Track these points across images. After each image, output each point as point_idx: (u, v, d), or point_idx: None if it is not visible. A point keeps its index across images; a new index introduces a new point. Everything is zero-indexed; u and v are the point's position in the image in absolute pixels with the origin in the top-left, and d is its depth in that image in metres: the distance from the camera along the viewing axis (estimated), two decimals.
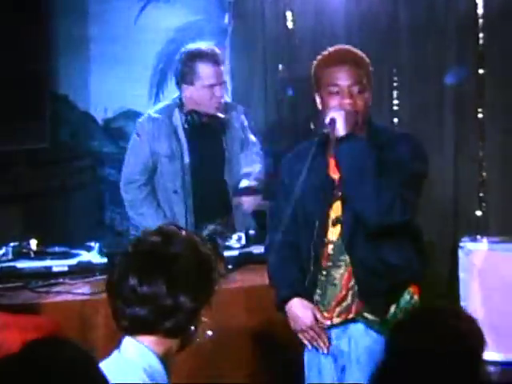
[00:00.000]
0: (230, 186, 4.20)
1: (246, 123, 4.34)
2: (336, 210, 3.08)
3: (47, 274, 3.66)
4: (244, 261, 3.82)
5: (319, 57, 3.23)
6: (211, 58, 4.08)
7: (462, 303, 4.37)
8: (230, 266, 3.75)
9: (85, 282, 3.62)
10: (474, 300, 4.42)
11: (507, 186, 5.21)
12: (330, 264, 3.10)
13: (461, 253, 4.50)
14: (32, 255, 3.79)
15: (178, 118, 4.11)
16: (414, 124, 5.33)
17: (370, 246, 3.02)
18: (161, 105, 4.29)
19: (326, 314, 3.11)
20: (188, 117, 4.08)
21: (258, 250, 3.87)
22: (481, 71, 5.26)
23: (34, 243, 3.82)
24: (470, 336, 2.01)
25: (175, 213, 4.13)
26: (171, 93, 4.95)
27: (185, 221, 4.07)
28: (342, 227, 3.06)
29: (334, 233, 3.08)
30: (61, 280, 3.64)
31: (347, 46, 3.31)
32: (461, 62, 5.29)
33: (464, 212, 5.27)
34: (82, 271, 3.69)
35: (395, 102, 5.38)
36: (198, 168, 4.16)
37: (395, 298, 3.06)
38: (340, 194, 3.06)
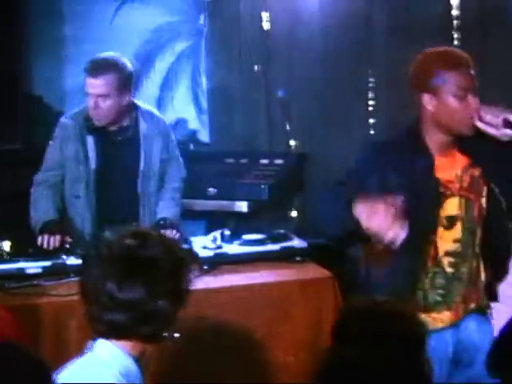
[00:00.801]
0: (141, 198, 4.18)
1: (172, 137, 4.24)
2: (451, 207, 3.06)
3: (21, 276, 3.64)
4: (219, 261, 3.81)
5: (432, 57, 3.17)
6: (96, 69, 4.00)
7: None
8: (205, 267, 3.74)
9: (60, 284, 3.60)
10: None
11: None
12: (459, 260, 3.08)
13: None
14: (5, 257, 3.76)
15: (85, 125, 4.10)
16: (389, 125, 5.37)
17: (500, 234, 3.06)
18: (74, 110, 4.26)
19: (449, 313, 3.09)
20: (91, 124, 4.07)
21: (233, 250, 3.88)
22: None
23: (7, 245, 3.79)
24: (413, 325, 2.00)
25: (80, 218, 4.13)
26: (146, 94, 4.96)
27: (86, 226, 4.09)
28: (462, 223, 3.05)
29: (455, 230, 3.07)
30: (35, 282, 3.61)
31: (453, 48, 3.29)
32: None
33: None
34: (57, 273, 3.67)
35: (371, 102, 5.40)
36: (106, 177, 4.13)
37: None
38: (452, 191, 3.04)
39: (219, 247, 3.90)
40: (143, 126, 4.12)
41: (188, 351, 3.26)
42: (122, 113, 4.05)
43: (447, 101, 2.99)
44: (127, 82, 4.03)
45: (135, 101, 4.17)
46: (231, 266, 3.79)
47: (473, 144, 3.03)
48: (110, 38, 5.70)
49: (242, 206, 4.78)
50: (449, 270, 3.08)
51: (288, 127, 5.46)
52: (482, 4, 5.25)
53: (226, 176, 4.96)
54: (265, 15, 5.44)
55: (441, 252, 3.07)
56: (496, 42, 5.26)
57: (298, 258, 3.91)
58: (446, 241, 3.06)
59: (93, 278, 2.19)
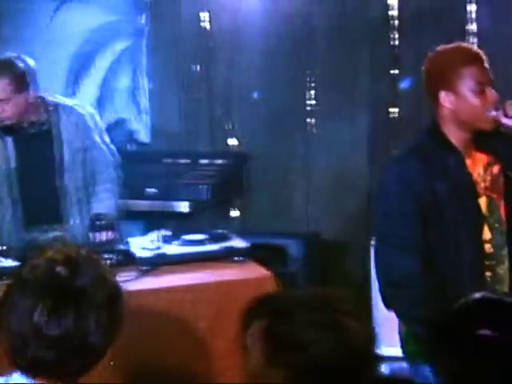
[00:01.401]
0: (67, 193, 4.15)
1: (92, 126, 4.20)
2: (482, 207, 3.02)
3: None
4: (158, 262, 3.80)
5: (446, 54, 3.16)
6: None
7: (374, 302, 4.43)
8: (144, 268, 3.72)
9: None
10: None
11: None
12: (493, 262, 3.02)
13: (373, 251, 4.55)
14: None
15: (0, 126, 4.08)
16: (329, 124, 5.40)
17: None
18: None
19: None
20: (3, 124, 4.05)
21: (172, 250, 3.87)
22: (393, 72, 5.34)
23: None
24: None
25: (5, 220, 4.10)
26: (86, 93, 4.91)
27: (15, 228, 4.05)
28: (489, 223, 3.00)
29: (484, 231, 3.02)
30: None
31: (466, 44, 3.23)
32: (374, 63, 5.37)
33: None
34: None
35: (310, 102, 5.42)
36: (27, 174, 4.09)
37: None
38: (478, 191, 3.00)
39: (158, 248, 3.88)
40: (59, 119, 4.09)
41: (127, 352, 3.23)
42: (29, 109, 4.02)
43: (466, 96, 2.95)
44: (25, 80, 3.99)
45: (51, 96, 4.13)
46: (171, 267, 3.77)
47: (490, 141, 3.00)
48: (49, 39, 5.64)
49: (182, 207, 4.77)
50: (486, 273, 3.01)
51: (229, 127, 5.46)
52: (419, 4, 5.30)
53: (166, 176, 4.94)
54: (205, 15, 5.43)
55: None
56: (433, 43, 5.30)
57: (238, 258, 3.91)
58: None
59: (17, 308, 1.98)
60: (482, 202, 3.01)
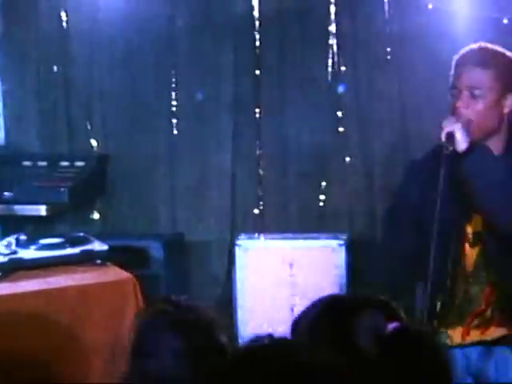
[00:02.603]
0: None
1: None
2: (476, 223, 2.92)
3: None
4: (14, 267, 3.69)
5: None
6: None
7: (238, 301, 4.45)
8: None
9: None
10: (250, 297, 4.52)
11: (283, 184, 5.34)
12: (470, 281, 2.94)
13: (238, 251, 4.56)
14: None
15: None
16: (192, 125, 5.38)
17: None
18: None
19: (461, 329, 2.93)
20: None
21: (29, 255, 3.77)
22: (257, 72, 5.37)
23: None
24: None
25: None
26: None
27: None
28: (481, 243, 2.91)
29: (473, 249, 2.93)
30: None
31: (489, 45, 2.93)
32: (238, 63, 5.38)
33: (241, 210, 5.36)
34: None
35: (174, 102, 5.39)
36: None
37: None
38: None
39: (14, 252, 3.78)
40: None
41: None
42: None
43: None
44: None
45: None
46: (28, 272, 3.69)
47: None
48: None
49: (41, 210, 4.64)
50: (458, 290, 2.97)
51: (89, 128, 5.36)
52: (281, 5, 5.34)
53: (23, 179, 4.80)
54: (64, 15, 5.32)
55: (469, 268, 2.96)
56: (295, 43, 5.36)
57: (98, 261, 3.85)
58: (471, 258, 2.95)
59: None
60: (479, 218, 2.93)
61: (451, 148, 2.73)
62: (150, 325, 2.16)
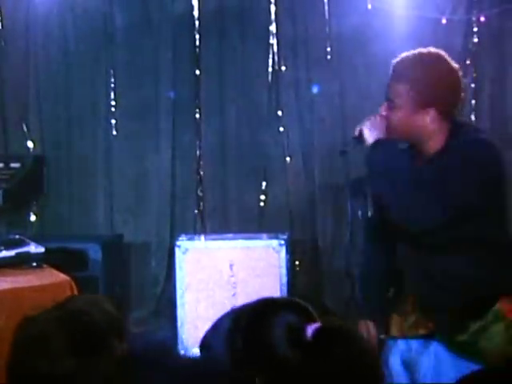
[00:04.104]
0: None
1: None
2: None
3: None
4: None
5: None
6: None
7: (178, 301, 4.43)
8: None
9: None
10: (190, 298, 4.49)
11: (224, 184, 5.32)
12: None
13: (178, 251, 4.53)
14: None
15: None
16: (131, 125, 5.32)
17: (430, 258, 2.79)
18: None
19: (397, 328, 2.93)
20: None
21: None
22: (197, 72, 5.33)
23: None
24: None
25: None
26: None
27: None
28: None
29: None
30: None
31: (416, 52, 2.84)
32: (177, 63, 5.34)
33: (181, 211, 5.32)
34: None
35: (112, 103, 5.33)
36: None
37: (470, 316, 2.75)
38: None
39: None
40: None
41: None
42: None
43: None
44: None
45: None
46: None
47: None
48: None
49: None
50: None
51: (25, 128, 5.27)
52: (220, 5, 5.31)
53: None
54: None
55: None
56: (235, 43, 5.35)
57: (34, 264, 3.78)
58: None
59: None
60: None
61: (359, 144, 2.85)
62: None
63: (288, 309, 1.82)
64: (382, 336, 2.96)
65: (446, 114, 2.76)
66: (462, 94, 2.79)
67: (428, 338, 2.88)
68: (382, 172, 2.76)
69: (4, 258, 3.77)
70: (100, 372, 1.76)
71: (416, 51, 2.80)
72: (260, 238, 4.62)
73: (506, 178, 2.73)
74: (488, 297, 2.75)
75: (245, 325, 1.81)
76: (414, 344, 2.91)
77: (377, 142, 2.78)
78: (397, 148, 2.83)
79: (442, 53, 2.79)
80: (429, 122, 2.76)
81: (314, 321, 1.80)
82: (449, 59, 2.78)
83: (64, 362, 1.78)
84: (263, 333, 1.77)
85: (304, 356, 1.72)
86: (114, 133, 5.33)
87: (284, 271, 4.49)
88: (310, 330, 1.75)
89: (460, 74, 2.78)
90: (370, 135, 2.81)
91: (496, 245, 2.78)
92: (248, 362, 1.75)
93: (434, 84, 2.74)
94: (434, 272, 2.80)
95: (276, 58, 5.28)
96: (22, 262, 3.76)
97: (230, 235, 4.73)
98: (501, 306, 2.75)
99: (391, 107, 2.79)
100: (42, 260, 3.80)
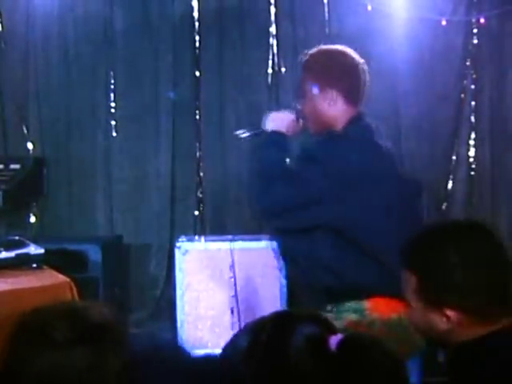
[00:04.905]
0: None
1: None
2: None
3: None
4: None
5: None
6: None
7: (178, 303, 4.43)
8: None
9: None
10: (190, 299, 4.49)
11: (223, 186, 5.32)
12: None
13: (177, 252, 4.54)
14: None
15: None
16: (131, 126, 5.32)
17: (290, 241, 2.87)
18: None
19: None
20: None
21: None
22: (197, 73, 5.33)
23: None
24: None
25: None
26: None
27: None
28: None
29: None
30: None
31: (331, 47, 3.13)
32: (177, 65, 5.34)
33: (181, 212, 5.33)
34: None
35: (112, 104, 5.33)
36: None
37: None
38: None
39: None
40: None
41: None
42: None
43: None
44: None
45: None
46: None
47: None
48: None
49: None
50: None
51: (25, 130, 5.27)
52: (220, 6, 5.32)
53: None
54: None
55: None
56: (235, 44, 5.35)
57: (34, 265, 3.78)
58: None
59: None
60: None
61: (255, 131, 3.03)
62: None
63: (307, 321, 1.78)
64: None
65: (346, 99, 2.90)
66: (364, 83, 2.95)
67: None
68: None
69: (4, 260, 3.76)
70: (109, 367, 1.73)
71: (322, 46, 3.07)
72: (259, 240, 4.62)
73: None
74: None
75: (265, 339, 1.76)
76: None
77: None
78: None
79: (348, 49, 3.03)
80: (328, 106, 2.91)
81: (335, 332, 1.76)
82: (353, 54, 3.00)
83: (69, 353, 1.75)
84: (285, 345, 1.73)
85: (328, 368, 1.68)
86: (114, 134, 5.34)
87: (283, 273, 4.49)
88: (334, 341, 1.70)
89: (363, 66, 2.98)
90: (269, 125, 2.98)
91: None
92: (270, 376, 1.72)
93: (328, 67, 2.98)
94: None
95: (276, 59, 5.28)
96: (21, 264, 3.76)
97: (230, 236, 4.73)
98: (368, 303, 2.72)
99: (303, 100, 2.97)
100: (41, 261, 3.80)
